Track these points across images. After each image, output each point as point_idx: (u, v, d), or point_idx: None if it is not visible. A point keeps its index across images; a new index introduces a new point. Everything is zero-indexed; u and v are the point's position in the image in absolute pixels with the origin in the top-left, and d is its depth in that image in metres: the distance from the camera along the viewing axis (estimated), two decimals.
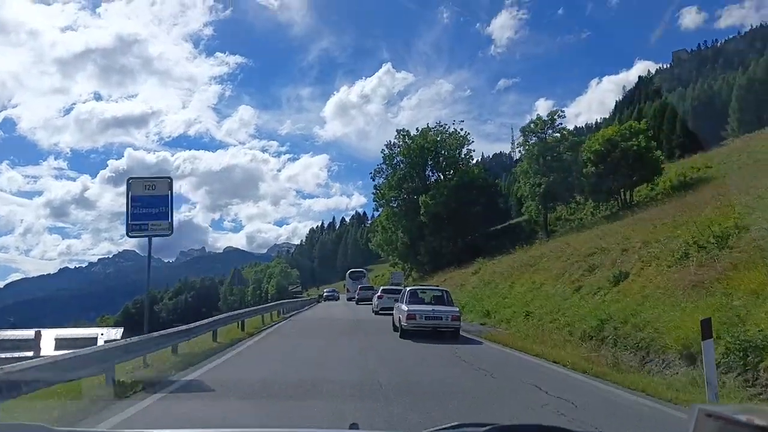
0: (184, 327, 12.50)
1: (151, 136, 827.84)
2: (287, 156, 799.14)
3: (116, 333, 18.52)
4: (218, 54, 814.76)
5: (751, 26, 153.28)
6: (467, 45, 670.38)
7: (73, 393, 7.39)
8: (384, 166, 65.38)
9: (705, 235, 13.34)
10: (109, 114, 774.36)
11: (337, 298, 62.49)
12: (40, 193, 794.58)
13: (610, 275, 15.90)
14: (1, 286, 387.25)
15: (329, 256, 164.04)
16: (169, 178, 12.22)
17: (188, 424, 6.29)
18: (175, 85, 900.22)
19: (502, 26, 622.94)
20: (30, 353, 12.57)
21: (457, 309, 16.75)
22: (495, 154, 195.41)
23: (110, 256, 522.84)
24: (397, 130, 66.28)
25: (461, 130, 63.96)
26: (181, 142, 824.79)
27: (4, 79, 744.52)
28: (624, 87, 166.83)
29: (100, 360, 8.24)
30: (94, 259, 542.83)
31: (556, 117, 52.91)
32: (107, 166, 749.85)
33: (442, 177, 63.58)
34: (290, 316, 29.17)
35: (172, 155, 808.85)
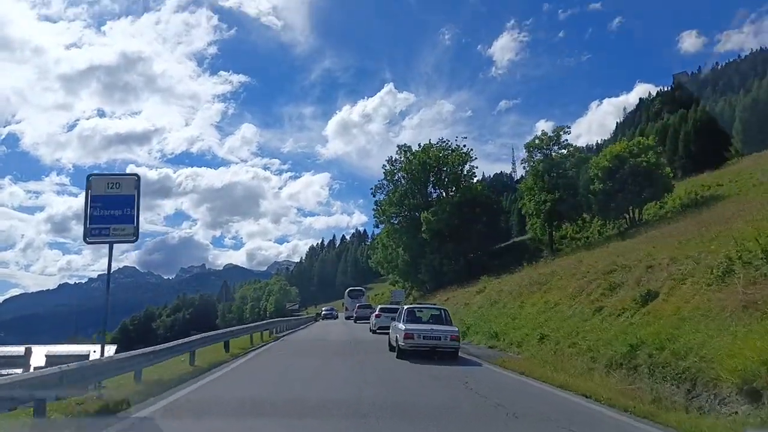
0: (150, 349, 10.81)
1: (153, 153, 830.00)
2: (289, 174, 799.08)
3: (109, 350, 17.37)
4: (222, 72, 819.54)
5: (752, 50, 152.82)
6: (468, 66, 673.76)
7: None
8: (385, 182, 63.94)
9: (748, 249, 11.71)
10: (112, 131, 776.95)
11: (336, 317, 61.42)
12: (41, 209, 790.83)
13: (636, 294, 14.21)
14: (0, 302, 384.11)
15: (329, 274, 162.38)
16: (136, 175, 10.62)
17: None
18: (178, 103, 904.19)
19: (503, 48, 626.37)
20: (19, 370, 12.31)
21: (457, 329, 16.12)
22: (495, 174, 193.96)
23: None
24: (398, 146, 64.93)
25: (464, 146, 62.56)
26: (183, 159, 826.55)
27: (8, 95, 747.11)
28: (624, 108, 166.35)
29: (29, 387, 6.61)
30: (94, 275, 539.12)
31: (561, 133, 51.39)
32: None
33: (444, 194, 62.07)
34: (283, 336, 27.43)
35: (174, 172, 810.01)
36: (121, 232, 10.17)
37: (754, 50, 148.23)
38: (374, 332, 26.60)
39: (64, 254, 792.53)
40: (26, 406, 7.09)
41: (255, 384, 11.24)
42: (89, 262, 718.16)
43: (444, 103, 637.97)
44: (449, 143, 63.03)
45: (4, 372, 11.84)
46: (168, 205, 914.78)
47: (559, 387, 10.23)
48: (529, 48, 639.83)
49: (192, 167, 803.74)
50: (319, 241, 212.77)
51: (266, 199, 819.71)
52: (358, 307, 46.13)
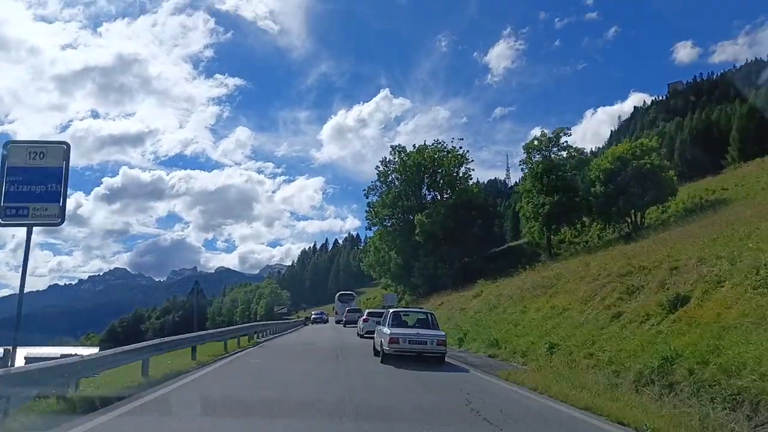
0: (94, 353, 8.77)
1: (147, 154, 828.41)
2: (283, 178, 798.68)
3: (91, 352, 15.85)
4: (217, 76, 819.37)
5: (747, 60, 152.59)
6: (464, 73, 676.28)
7: None
8: (378, 184, 62.04)
9: None
10: (105, 132, 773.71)
11: (326, 321, 60.23)
12: None
13: (661, 299, 12.34)
14: None
15: (321, 278, 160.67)
16: (65, 143, 8.62)
17: None
18: (173, 105, 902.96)
19: (499, 56, 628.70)
20: None
21: (443, 333, 15.57)
22: (490, 180, 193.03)
23: (100, 274, 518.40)
24: (391, 146, 63.18)
25: (460, 148, 60.75)
26: (176, 162, 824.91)
27: (2, 95, 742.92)
28: (619, 117, 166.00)
29: None
30: (85, 276, 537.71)
31: (561, 134, 49.57)
32: (101, 183, 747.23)
33: (439, 196, 60.25)
34: (265, 341, 25.46)
35: (167, 174, 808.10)
36: (44, 212, 8.18)
37: (749, 61, 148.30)
38: (362, 336, 26.21)
39: (54, 255, 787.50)
40: None
41: (201, 408, 9.32)
42: (79, 264, 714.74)
43: (439, 109, 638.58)
44: (445, 144, 61.33)
45: None
46: (160, 207, 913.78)
47: (585, 409, 8.34)
48: (525, 56, 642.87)
49: (185, 169, 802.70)
50: (312, 245, 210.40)
51: (260, 203, 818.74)
52: (348, 311, 45.39)
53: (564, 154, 48.68)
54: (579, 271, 20.42)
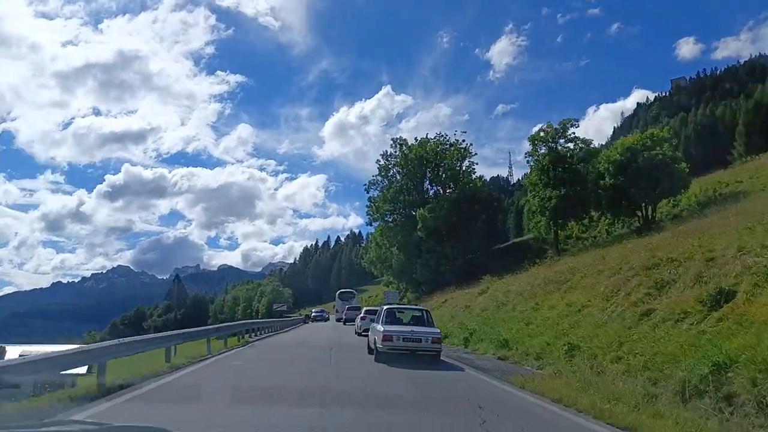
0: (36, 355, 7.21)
1: (149, 152, 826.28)
2: (285, 175, 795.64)
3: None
4: (219, 72, 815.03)
5: (750, 56, 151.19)
6: (466, 70, 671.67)
7: None
8: (379, 178, 60.39)
9: None
10: (107, 129, 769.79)
11: (327, 319, 59.10)
12: (35, 207, 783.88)
13: (701, 294, 10.70)
14: None
15: (323, 276, 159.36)
16: None
17: None
18: (174, 102, 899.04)
19: (501, 52, 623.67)
20: None
21: (438, 330, 15.42)
22: (492, 177, 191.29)
23: (104, 272, 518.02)
24: (392, 139, 61.51)
25: (463, 141, 59.00)
26: (178, 159, 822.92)
27: (3, 92, 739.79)
28: (622, 113, 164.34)
29: None
30: (88, 273, 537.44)
31: (568, 126, 47.73)
32: (104, 181, 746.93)
33: (441, 190, 58.59)
34: (256, 340, 23.91)
35: (170, 172, 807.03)
36: None
37: (752, 56, 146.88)
38: (359, 335, 25.48)
39: (57, 253, 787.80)
40: None
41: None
42: (83, 261, 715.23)
43: (441, 106, 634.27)
44: (447, 137, 59.66)
45: None
46: (163, 205, 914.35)
47: (626, 430, 6.74)
48: (527, 52, 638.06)
49: (187, 167, 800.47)
50: (314, 243, 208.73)
51: (262, 200, 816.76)
52: (347, 309, 44.74)
53: (571, 146, 46.86)
54: (596, 265, 18.82)
